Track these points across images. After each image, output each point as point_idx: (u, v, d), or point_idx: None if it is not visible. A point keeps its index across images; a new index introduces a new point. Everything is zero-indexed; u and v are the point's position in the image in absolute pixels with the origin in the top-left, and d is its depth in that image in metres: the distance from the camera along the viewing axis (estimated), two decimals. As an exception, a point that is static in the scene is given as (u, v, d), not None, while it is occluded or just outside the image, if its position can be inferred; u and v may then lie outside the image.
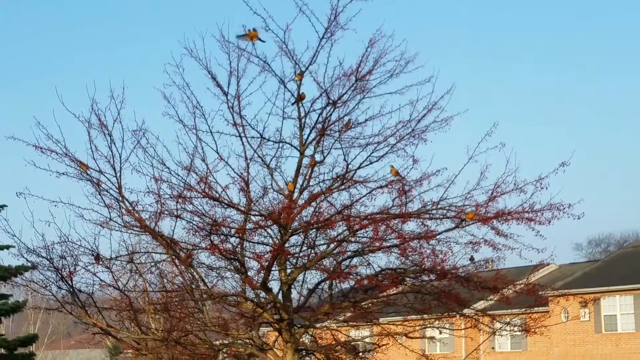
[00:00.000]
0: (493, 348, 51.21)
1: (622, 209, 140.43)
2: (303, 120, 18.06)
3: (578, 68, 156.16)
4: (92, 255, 18.69)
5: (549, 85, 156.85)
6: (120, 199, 17.95)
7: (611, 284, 47.47)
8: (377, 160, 18.09)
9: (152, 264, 20.22)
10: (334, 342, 20.69)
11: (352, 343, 21.37)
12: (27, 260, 19.22)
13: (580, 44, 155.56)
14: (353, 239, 18.19)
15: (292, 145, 18.22)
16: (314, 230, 18.14)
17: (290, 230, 17.81)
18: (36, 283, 20.02)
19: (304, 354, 20.03)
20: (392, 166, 17.73)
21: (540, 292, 20.66)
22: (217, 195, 17.68)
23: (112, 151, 17.82)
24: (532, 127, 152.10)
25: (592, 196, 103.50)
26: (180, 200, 17.65)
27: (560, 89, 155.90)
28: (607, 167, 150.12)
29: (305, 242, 18.45)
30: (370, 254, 18.47)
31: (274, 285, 18.77)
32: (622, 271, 49.53)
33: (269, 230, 18.15)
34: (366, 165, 18.12)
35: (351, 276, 18.37)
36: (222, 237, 18.00)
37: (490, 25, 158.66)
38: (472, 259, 18.23)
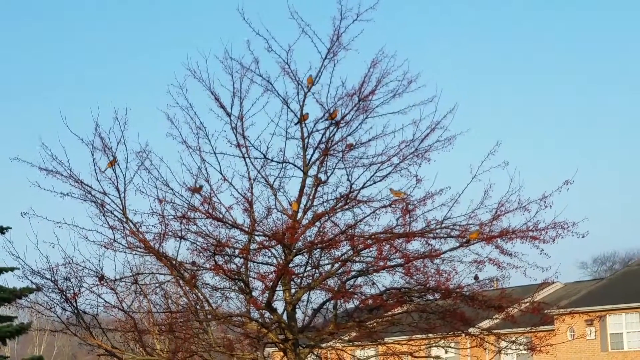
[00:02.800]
0: (499, 367, 51.09)
1: (627, 226, 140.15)
2: (306, 140, 18.11)
3: (582, 84, 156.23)
4: (97, 276, 18.70)
5: (552, 103, 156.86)
6: (125, 220, 17.99)
7: (617, 302, 47.38)
8: (380, 180, 18.12)
9: (157, 284, 20.18)
10: (339, 362, 20.63)
11: (358, 363, 21.32)
12: (31, 282, 19.26)
13: (584, 58, 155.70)
14: (357, 259, 18.18)
15: (295, 166, 18.28)
16: (318, 250, 18.13)
17: (294, 250, 17.80)
18: (41, 305, 20.02)
19: (309, 373, 19.98)
20: (392, 189, 17.76)
21: (545, 311, 20.61)
22: (221, 215, 17.69)
23: (115, 173, 17.89)
24: (536, 146, 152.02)
25: (596, 214, 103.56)
26: (184, 221, 17.66)
27: (563, 106, 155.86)
28: (612, 184, 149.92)
29: (310, 262, 18.44)
30: (374, 274, 18.47)
31: (279, 306, 18.78)
32: (628, 289, 49.44)
33: (273, 250, 18.15)
34: (370, 185, 18.15)
35: (356, 296, 18.36)
36: (226, 257, 18.00)
37: (492, 43, 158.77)
38: (476, 277, 18.22)
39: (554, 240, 17.53)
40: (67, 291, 18.89)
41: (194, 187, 17.59)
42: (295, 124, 17.92)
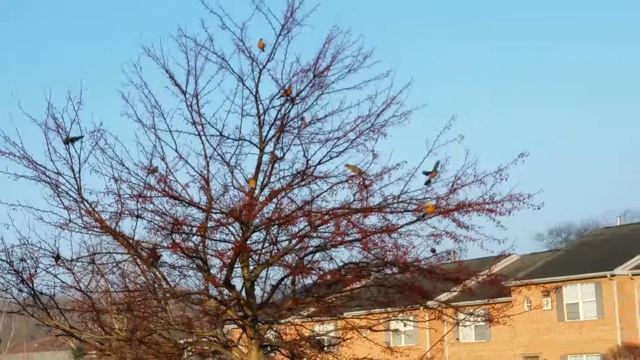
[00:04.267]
0: (457, 339, 51.62)
1: (582, 198, 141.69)
2: (262, 117, 18.06)
3: (539, 49, 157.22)
4: (53, 257, 18.58)
5: (508, 73, 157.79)
6: (80, 200, 17.84)
7: (572, 272, 48.03)
8: (337, 156, 18.13)
9: (114, 264, 20.14)
10: (298, 338, 20.71)
11: (317, 338, 21.44)
12: (-14, 264, 19.07)
13: (538, 15, 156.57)
14: (315, 235, 18.20)
15: (251, 143, 18.21)
16: (276, 226, 18.13)
17: (251, 227, 17.79)
18: (-4, 286, 19.87)
19: (268, 349, 20.02)
20: (348, 164, 17.79)
21: (502, 282, 20.80)
22: (178, 194, 17.62)
23: (70, 153, 17.72)
24: (491, 119, 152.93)
25: (551, 186, 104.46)
26: (140, 200, 17.57)
27: (519, 75, 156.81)
28: (567, 156, 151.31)
29: (267, 238, 18.44)
30: (332, 249, 18.49)
31: (237, 283, 18.75)
32: (583, 260, 50.09)
33: (230, 227, 18.13)
34: (326, 161, 18.15)
35: (314, 271, 18.40)
36: (183, 235, 17.96)
37: (447, 12, 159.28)
38: (433, 250, 18.30)
39: (509, 212, 17.64)
40: (23, 272, 18.76)
41: (150, 168, 17.51)
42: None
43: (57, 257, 18.53)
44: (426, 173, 17.78)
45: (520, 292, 39.68)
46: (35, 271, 18.80)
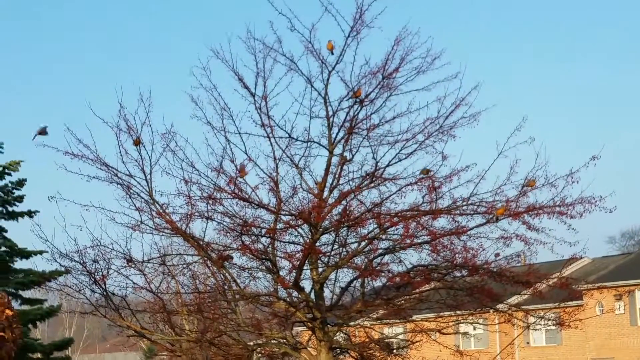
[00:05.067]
0: (528, 343, 51.05)
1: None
2: (331, 119, 18.07)
3: (606, 59, 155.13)
4: (125, 258, 18.78)
5: (578, 77, 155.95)
6: (151, 201, 18.04)
7: (645, 276, 47.18)
8: (405, 158, 18.09)
9: (184, 265, 20.29)
10: (367, 340, 20.69)
11: (386, 340, 21.39)
12: (60, 264, 19.36)
13: (611, 34, 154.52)
14: (384, 237, 18.18)
15: (320, 145, 18.25)
16: (345, 228, 18.14)
17: (320, 229, 17.81)
18: (70, 287, 20.16)
19: (338, 352, 20.03)
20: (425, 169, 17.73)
21: (573, 286, 20.55)
22: (247, 196, 17.71)
23: (141, 155, 17.92)
24: (562, 121, 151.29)
25: (624, 188, 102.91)
26: (210, 202, 17.71)
27: (589, 80, 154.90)
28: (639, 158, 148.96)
29: (336, 240, 18.45)
30: (401, 251, 18.45)
31: (306, 285, 18.81)
32: (657, 263, 49.23)
33: (299, 229, 18.17)
34: (395, 163, 18.12)
35: (383, 274, 18.36)
36: (253, 237, 18.04)
37: (517, 19, 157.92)
38: (497, 255, 18.19)
39: (581, 215, 17.48)
40: (96, 273, 18.97)
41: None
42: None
43: (129, 259, 18.72)
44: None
45: (592, 296, 39.30)
46: (108, 272, 19.01)
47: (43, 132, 17.91)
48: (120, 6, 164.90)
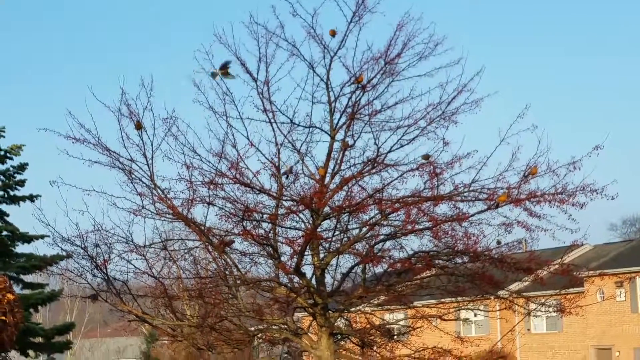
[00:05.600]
0: (529, 329, 51.10)
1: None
2: (333, 104, 18.06)
3: (610, 48, 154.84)
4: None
5: (581, 64, 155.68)
6: (153, 186, 18.05)
7: (647, 263, 47.16)
8: (407, 144, 18.09)
9: (186, 250, 20.29)
10: (368, 326, 20.71)
11: (387, 326, 21.40)
12: (61, 249, 19.41)
13: (615, 23, 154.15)
14: (385, 223, 18.19)
15: (322, 130, 18.24)
16: (346, 214, 18.15)
17: (322, 215, 17.83)
18: (71, 272, 20.18)
19: (338, 338, 20.06)
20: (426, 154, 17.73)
21: (574, 273, 20.56)
22: (249, 181, 17.71)
23: (143, 139, 17.92)
24: (564, 108, 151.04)
25: (626, 175, 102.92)
26: (211, 187, 17.72)
27: (593, 67, 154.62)
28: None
29: (338, 226, 18.47)
30: (402, 237, 18.46)
31: (308, 270, 18.82)
32: (658, 250, 49.21)
33: (301, 215, 18.19)
34: (397, 149, 18.13)
35: (384, 260, 18.37)
36: (254, 222, 18.05)
37: (521, 4, 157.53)
38: (499, 242, 18.19)
39: (582, 206, 17.47)
40: (97, 258, 19.00)
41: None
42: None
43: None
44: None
45: (592, 283, 39.24)
46: (109, 257, 19.04)
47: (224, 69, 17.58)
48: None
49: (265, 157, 17.91)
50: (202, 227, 18.16)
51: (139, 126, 17.74)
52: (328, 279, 19.56)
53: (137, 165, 18.06)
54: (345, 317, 21.08)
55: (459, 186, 17.83)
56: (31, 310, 41.31)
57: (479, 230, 17.89)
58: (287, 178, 17.97)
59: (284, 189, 17.88)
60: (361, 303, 20.88)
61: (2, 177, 40.98)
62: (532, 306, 21.44)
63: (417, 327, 21.03)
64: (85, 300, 21.52)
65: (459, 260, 19.00)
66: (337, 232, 18.54)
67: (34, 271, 41.36)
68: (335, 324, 19.64)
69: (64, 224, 19.62)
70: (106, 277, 19.41)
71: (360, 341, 20.12)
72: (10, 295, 21.17)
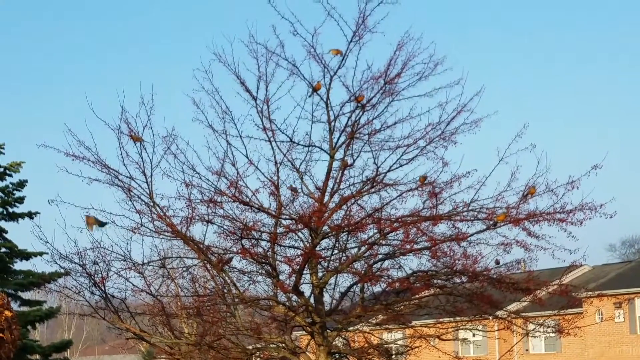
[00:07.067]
0: (527, 350, 51.01)
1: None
2: (332, 123, 18.09)
3: (608, 66, 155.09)
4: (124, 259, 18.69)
5: (580, 85, 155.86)
6: (152, 204, 18.04)
7: (645, 284, 47.12)
8: (407, 163, 18.12)
9: (184, 268, 20.27)
10: (366, 345, 20.65)
11: (385, 346, 21.36)
12: (60, 266, 19.33)
13: (612, 42, 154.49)
14: (384, 242, 18.18)
15: (321, 149, 18.25)
16: (345, 233, 18.13)
17: (321, 234, 17.82)
18: (69, 289, 20.12)
19: (336, 357, 20.00)
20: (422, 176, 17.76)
21: (573, 293, 20.55)
22: (248, 199, 17.72)
23: (142, 157, 17.92)
24: (563, 128, 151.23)
25: (624, 195, 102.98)
26: (210, 205, 17.71)
27: (591, 87, 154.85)
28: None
29: (337, 245, 18.46)
30: (401, 257, 18.46)
31: (306, 289, 18.81)
32: (657, 271, 49.16)
33: (299, 234, 18.18)
34: (396, 168, 18.15)
35: (383, 279, 18.36)
36: (253, 241, 18.04)
37: (520, 25, 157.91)
38: (497, 262, 18.19)
39: (581, 223, 17.51)
40: (96, 275, 18.96)
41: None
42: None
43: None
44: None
45: (591, 304, 39.26)
46: (107, 274, 19.01)
47: (96, 223, 17.92)
48: (123, 8, 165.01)
49: (265, 176, 17.93)
50: (201, 245, 18.14)
51: (137, 139, 17.73)
52: (326, 297, 19.56)
53: (137, 182, 18.06)
54: (343, 336, 21.02)
55: (458, 206, 17.86)
56: (29, 327, 41.26)
57: (478, 250, 17.92)
58: (292, 194, 17.98)
59: (282, 208, 17.88)
60: (359, 322, 20.85)
61: (1, 194, 41.01)
62: (531, 326, 21.40)
63: (416, 347, 20.98)
64: (83, 317, 21.46)
65: (458, 280, 18.98)
66: (335, 251, 18.53)
67: (32, 288, 41.37)
68: (334, 343, 19.59)
69: (63, 241, 19.68)
70: (104, 295, 19.37)
71: (358, 360, 20.06)
72: (8, 312, 21.14)
